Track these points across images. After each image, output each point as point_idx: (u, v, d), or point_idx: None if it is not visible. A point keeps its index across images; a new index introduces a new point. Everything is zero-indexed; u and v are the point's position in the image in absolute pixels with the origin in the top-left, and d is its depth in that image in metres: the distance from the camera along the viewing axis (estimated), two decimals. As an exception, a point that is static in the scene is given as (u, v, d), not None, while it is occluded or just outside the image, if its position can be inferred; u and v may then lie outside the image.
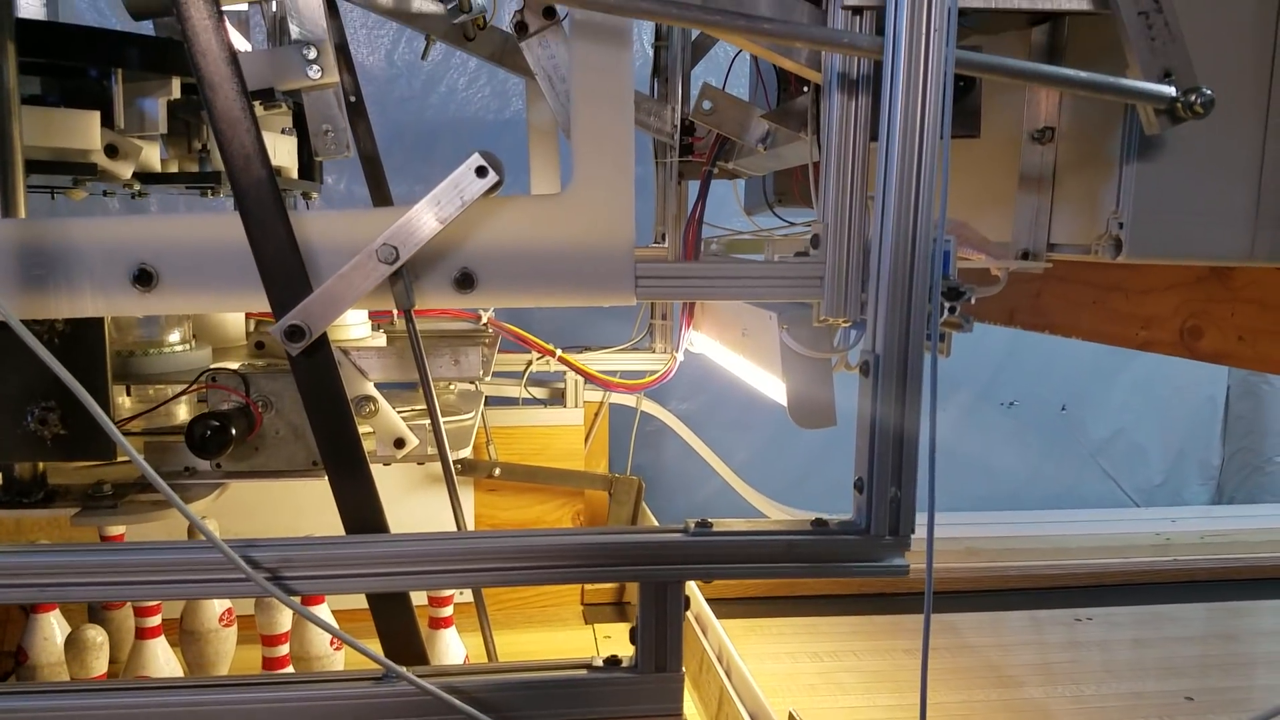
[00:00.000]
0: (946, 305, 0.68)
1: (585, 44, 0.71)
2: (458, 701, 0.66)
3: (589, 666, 0.71)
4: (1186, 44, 0.72)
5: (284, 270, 0.69)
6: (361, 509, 0.72)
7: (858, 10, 0.73)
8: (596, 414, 1.71)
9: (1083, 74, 0.70)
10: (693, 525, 0.70)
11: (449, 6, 1.19)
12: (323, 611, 1.13)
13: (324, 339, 0.70)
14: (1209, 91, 0.70)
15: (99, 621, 1.18)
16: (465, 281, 0.72)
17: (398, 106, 2.03)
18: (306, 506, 1.20)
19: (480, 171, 0.69)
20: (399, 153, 1.97)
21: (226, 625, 1.21)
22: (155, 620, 1.11)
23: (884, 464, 0.69)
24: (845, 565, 0.70)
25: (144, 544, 0.66)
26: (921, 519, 0.70)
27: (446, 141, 2.14)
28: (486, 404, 1.56)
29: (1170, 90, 0.70)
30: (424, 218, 0.68)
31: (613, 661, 0.71)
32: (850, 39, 0.69)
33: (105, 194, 1.23)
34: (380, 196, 1.42)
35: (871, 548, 0.70)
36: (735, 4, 0.77)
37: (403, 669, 0.67)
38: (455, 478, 0.80)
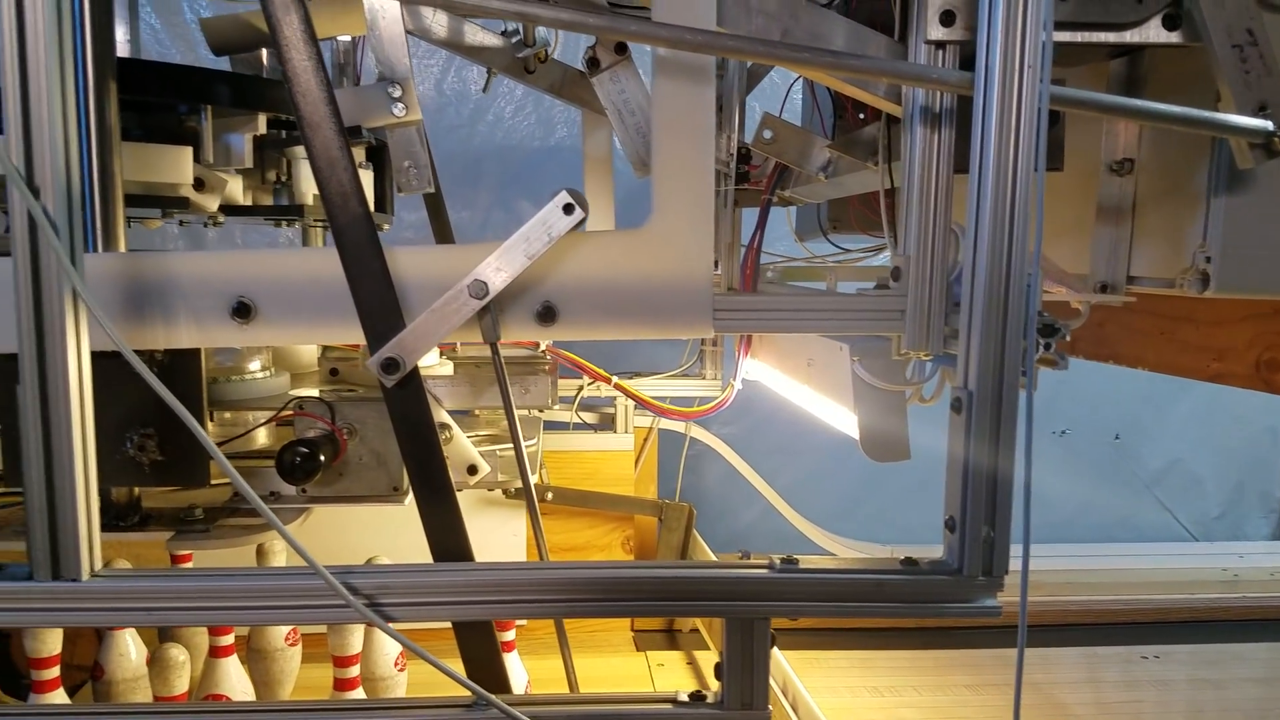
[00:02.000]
0: (1041, 342, 0.68)
1: (667, 81, 0.72)
2: (546, 732, 0.66)
3: (674, 701, 0.71)
4: (1281, 78, 0.72)
5: (379, 304, 0.70)
6: (449, 536, 0.73)
7: (940, 44, 0.73)
8: (646, 439, 1.71)
9: (1177, 109, 0.70)
10: (779, 561, 0.70)
11: (513, 41, 1.21)
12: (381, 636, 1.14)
13: (415, 371, 0.72)
14: (1307, 125, 0.70)
15: (172, 639, 1.20)
16: (547, 315, 0.73)
17: (446, 134, 2.07)
18: (367, 525, 1.22)
19: (567, 209, 0.70)
20: (447, 179, 2.01)
21: (292, 644, 1.22)
22: (228, 639, 1.12)
23: (977, 503, 0.68)
24: (936, 606, 0.69)
25: (247, 570, 0.67)
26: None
27: (492, 168, 2.18)
28: (540, 429, 1.57)
29: (1268, 125, 0.69)
30: (513, 253, 0.69)
31: (698, 697, 0.71)
32: (940, 75, 0.70)
33: (180, 223, 1.27)
34: (440, 225, 1.45)
35: (964, 588, 0.69)
36: (810, 37, 0.78)
37: (494, 697, 0.67)
38: (536, 502, 0.80)
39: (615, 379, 1.47)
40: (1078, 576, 1.71)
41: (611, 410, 1.67)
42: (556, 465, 1.60)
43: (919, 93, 0.74)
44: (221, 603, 0.66)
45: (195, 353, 0.78)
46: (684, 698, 0.71)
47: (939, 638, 1.50)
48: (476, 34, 1.17)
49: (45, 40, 0.63)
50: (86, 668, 1.22)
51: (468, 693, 0.68)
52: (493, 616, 0.70)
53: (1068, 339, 0.69)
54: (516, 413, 1.33)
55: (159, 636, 1.22)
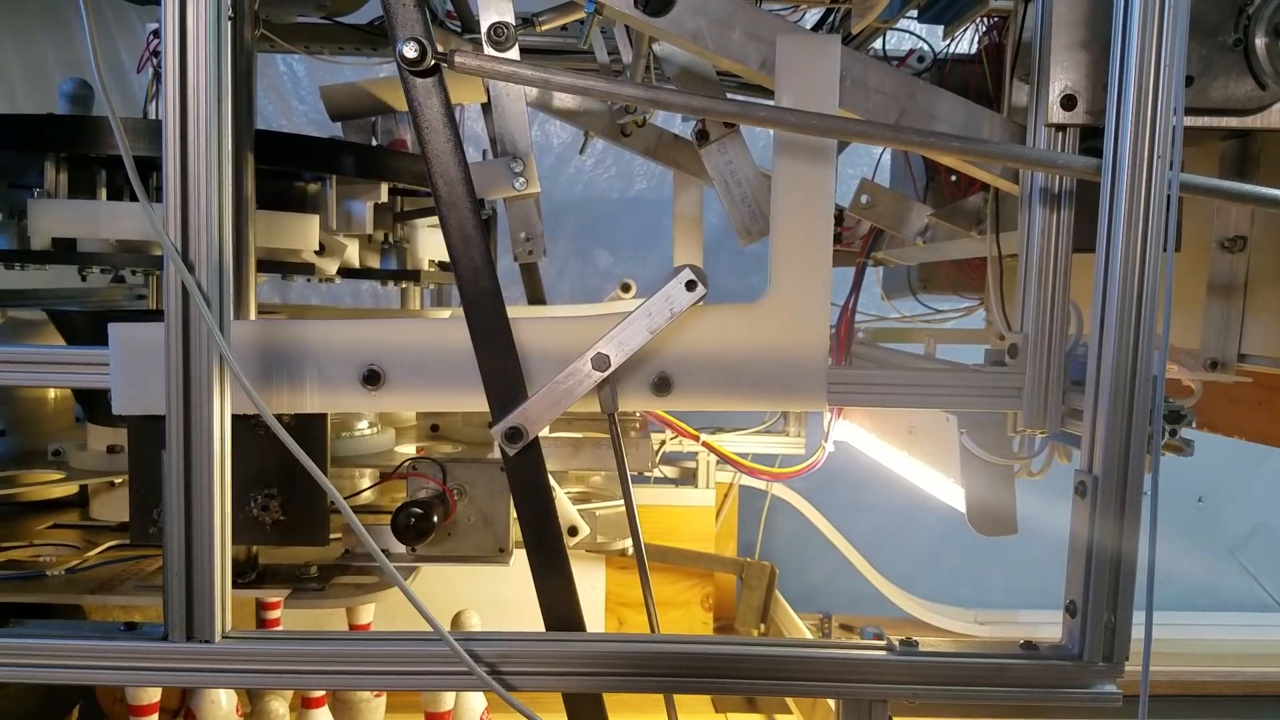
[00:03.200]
0: (1167, 429, 0.67)
1: (789, 161, 0.74)
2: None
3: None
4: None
5: (504, 375, 0.72)
6: (562, 603, 0.74)
7: (1060, 128, 0.74)
8: (726, 495, 1.71)
9: (1307, 197, 0.69)
10: (898, 643, 0.69)
11: (614, 108, 1.25)
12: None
13: (536, 441, 0.73)
14: None
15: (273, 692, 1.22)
16: (662, 385, 0.74)
17: (528, 189, 2.11)
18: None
19: (690, 285, 0.71)
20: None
21: (377, 696, 1.24)
22: (320, 690, 1.14)
23: (1100, 588, 0.67)
24: (1056, 691, 0.68)
25: (372, 635, 0.69)
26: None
27: (572, 218, 2.22)
28: (619, 483, 1.58)
29: (1396, 212, 0.68)
30: (635, 327, 0.71)
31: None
32: (1066, 161, 0.70)
33: (284, 277, 1.31)
34: (532, 282, 1.48)
35: (1084, 674, 0.68)
36: (926, 116, 0.79)
37: (609, 772, 0.68)
38: (647, 567, 0.81)
39: (704, 437, 1.47)
40: (1162, 646, 1.65)
41: (693, 465, 1.67)
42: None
43: (1039, 174, 0.74)
44: (349, 667, 0.67)
45: (322, 416, 0.80)
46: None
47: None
48: (580, 99, 1.21)
49: (206, 117, 0.67)
50: (172, 710, 1.25)
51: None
52: (606, 690, 0.71)
53: (1193, 424, 0.68)
54: (604, 470, 1.35)
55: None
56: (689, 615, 1.60)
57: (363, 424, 1.03)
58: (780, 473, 1.47)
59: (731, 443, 1.60)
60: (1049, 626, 1.75)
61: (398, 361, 0.75)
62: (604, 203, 2.27)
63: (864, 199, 1.11)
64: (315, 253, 0.96)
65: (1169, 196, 0.66)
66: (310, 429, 0.80)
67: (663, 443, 1.62)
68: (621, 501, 1.18)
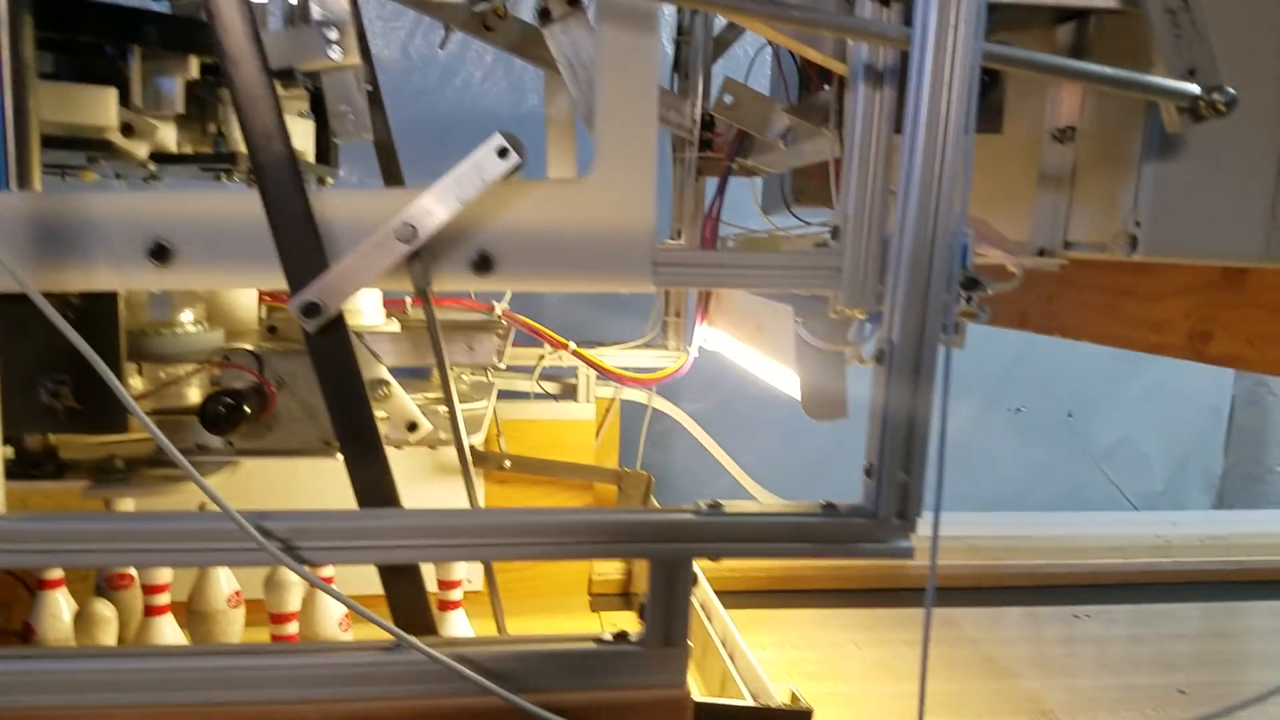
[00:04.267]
0: (964, 295, 0.68)
1: (612, 28, 0.71)
2: (467, 670, 0.66)
3: (598, 640, 0.71)
4: (1211, 43, 0.72)
5: (301, 246, 0.69)
6: (375, 485, 0.72)
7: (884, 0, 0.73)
8: (608, 410, 1.71)
9: (1108, 70, 0.70)
10: (704, 506, 0.70)
11: (467, -10, 1.19)
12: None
13: (340, 317, 0.71)
14: (1231, 90, 0.71)
15: (108, 600, 1.18)
16: (483, 264, 0.72)
17: (413, 100, 2.03)
18: (320, 491, 1.20)
19: (502, 152, 0.69)
20: (414, 146, 1.98)
21: (235, 606, 1.21)
22: (164, 598, 1.11)
23: (894, 450, 0.69)
24: (852, 546, 0.70)
25: (156, 513, 0.66)
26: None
27: (462, 135, 2.14)
28: (498, 398, 1.56)
29: (1194, 88, 0.70)
30: (444, 198, 0.69)
31: (621, 636, 0.72)
32: (878, 28, 0.69)
33: (118, 176, 1.24)
34: (393, 178, 1.43)
35: (879, 530, 0.70)
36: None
37: (413, 639, 0.67)
38: (469, 456, 0.80)
39: (573, 345, 1.46)
40: (1021, 542, 1.74)
41: (574, 381, 1.66)
42: (516, 435, 1.59)
43: (862, 50, 0.74)
44: (126, 545, 0.65)
45: (112, 297, 0.76)
46: (608, 636, 0.71)
47: (886, 598, 1.53)
48: (427, -18, 1.15)
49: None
50: (19, 632, 1.20)
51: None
52: (412, 560, 0.70)
53: (989, 293, 0.69)
54: (467, 375, 1.33)
55: (95, 596, 1.21)
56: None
57: (187, 320, 0.98)
58: (646, 378, 1.48)
59: (612, 357, 1.59)
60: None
61: (188, 235, 0.71)
62: (495, 119, 2.19)
63: (727, 98, 1.10)
64: (123, 134, 0.90)
65: (972, 67, 0.66)
66: (100, 310, 0.75)
67: (541, 357, 1.60)
68: (477, 404, 1.17)
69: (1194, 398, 2.45)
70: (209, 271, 0.72)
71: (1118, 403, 2.43)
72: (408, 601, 0.74)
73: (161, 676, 0.67)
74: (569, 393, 1.64)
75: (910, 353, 0.68)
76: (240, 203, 0.70)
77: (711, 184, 1.30)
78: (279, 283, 0.70)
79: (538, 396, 1.61)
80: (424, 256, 0.70)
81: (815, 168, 1.30)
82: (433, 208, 0.68)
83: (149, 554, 0.66)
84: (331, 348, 0.71)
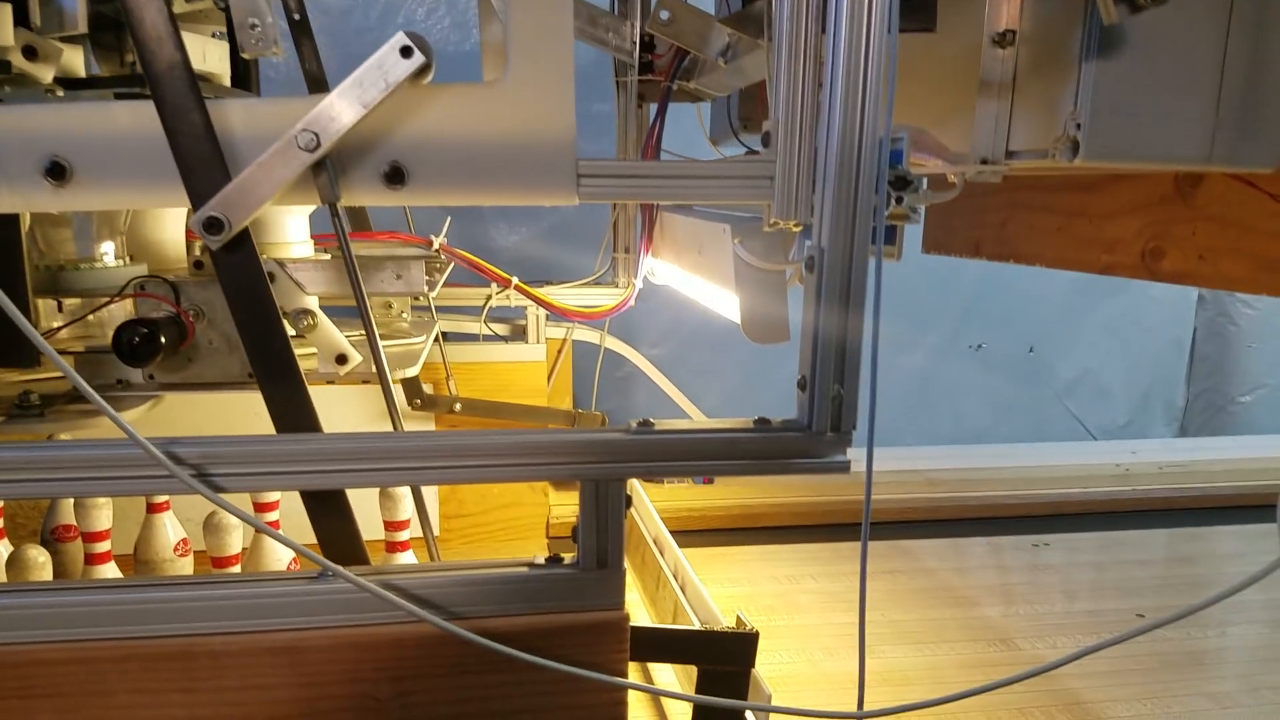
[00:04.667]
0: (894, 195, 0.66)
1: (522, -77, 0.68)
2: (395, 596, 0.65)
3: (530, 564, 0.70)
4: (1145, -72, 0.70)
5: (201, 159, 0.66)
6: (293, 411, 0.70)
7: (808, -110, 0.70)
8: (560, 351, 1.69)
9: (1039, -45, 0.67)
10: (635, 424, 0.68)
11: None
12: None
13: (246, 235, 0.68)
14: (1168, -23, 0.68)
15: (50, 553, 1.15)
16: (395, 176, 0.69)
17: (354, 39, 1.97)
18: (258, 428, 1.18)
19: (405, 52, 0.66)
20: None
21: (182, 555, 1.18)
22: (104, 545, 1.09)
23: (826, 362, 0.67)
24: (787, 462, 0.68)
25: (60, 442, 0.63)
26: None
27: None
28: (446, 340, 1.53)
29: (1127, -26, 0.67)
30: (346, 102, 0.65)
31: (555, 560, 0.70)
32: (795, -85, 0.66)
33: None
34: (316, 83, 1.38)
35: (814, 444, 0.68)
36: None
37: (338, 567, 0.65)
38: (390, 382, 0.78)
39: (516, 280, 1.43)
40: (980, 474, 1.74)
41: (523, 322, 1.63)
42: (467, 377, 1.56)
43: (790, -55, 0.71)
44: (25, 474, 0.62)
45: (14, 223, 0.72)
46: (540, 561, 0.70)
47: (842, 533, 1.53)
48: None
49: None
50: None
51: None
52: (334, 485, 0.68)
53: (920, 191, 0.67)
54: (407, 314, 1.30)
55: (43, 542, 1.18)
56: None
57: (108, 253, 0.95)
58: (591, 312, 1.45)
59: (560, 294, 1.57)
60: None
61: (85, 151, 0.67)
62: (438, 56, 2.13)
63: (663, 15, 1.06)
64: (26, 58, 0.85)
65: (895, -52, 0.63)
66: (2, 237, 0.72)
67: (488, 297, 1.57)
68: (415, 340, 1.14)
69: (1155, 330, 2.46)
70: (109, 190, 0.68)
71: (1079, 337, 2.43)
72: (335, 532, 0.72)
73: (80, 612, 0.65)
74: (519, 334, 1.61)
75: (840, 259, 0.66)
76: (138, 115, 0.67)
77: (656, 111, 1.27)
78: (181, 199, 0.67)
79: (487, 338, 1.58)
80: (330, 168, 0.67)
81: (761, 92, 1.27)
82: (335, 113, 0.65)
83: (51, 484, 0.63)
84: (239, 267, 0.68)
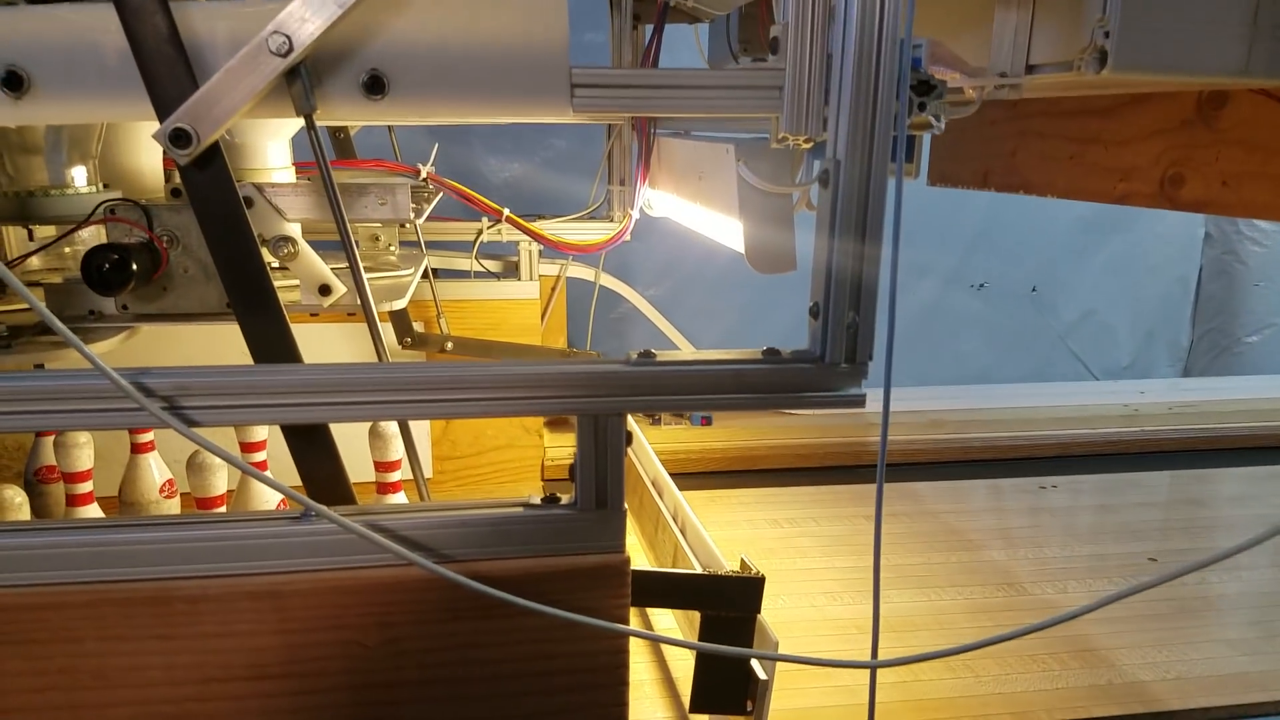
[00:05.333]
0: (916, 101, 0.61)
1: None
2: (382, 538, 0.61)
3: (526, 505, 0.66)
4: None
5: (166, 67, 0.60)
6: (271, 340, 0.66)
7: None
8: (553, 288, 1.64)
9: None
10: (635, 355, 0.64)
11: None
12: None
13: (217, 150, 0.63)
14: None
15: (33, 495, 1.12)
16: (374, 85, 0.64)
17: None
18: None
19: (391, -51, 0.60)
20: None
21: (168, 497, 1.15)
22: (86, 486, 1.05)
23: (841, 287, 0.63)
24: (799, 395, 0.64)
25: (27, 373, 0.59)
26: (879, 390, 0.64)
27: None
28: (436, 277, 1.48)
29: None
30: (320, 1, 0.60)
31: (551, 499, 0.66)
32: None
33: None
34: None
35: (827, 376, 0.64)
36: None
37: (322, 506, 0.62)
38: (374, 312, 0.74)
39: (508, 212, 1.38)
40: (984, 415, 1.71)
41: (515, 258, 1.58)
42: (458, 315, 1.52)
43: None
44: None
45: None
46: (536, 501, 0.66)
47: (846, 475, 1.50)
48: None
49: None
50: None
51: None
52: (314, 419, 0.64)
53: (944, 98, 0.62)
54: (395, 248, 1.25)
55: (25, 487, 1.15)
56: (511, 405, 1.56)
57: (80, 179, 0.89)
58: (584, 245, 1.41)
59: (553, 228, 1.51)
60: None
61: (44, 60, 0.62)
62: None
63: (661, -73, 1.00)
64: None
65: None
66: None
67: (479, 232, 1.52)
68: (404, 272, 1.09)
69: (1161, 269, 2.41)
70: (70, 102, 0.63)
71: (1083, 276, 2.39)
72: (318, 469, 0.68)
73: (51, 554, 0.62)
74: (511, 271, 1.56)
75: (857, 173, 0.62)
76: (100, 21, 0.61)
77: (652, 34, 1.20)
78: (147, 112, 0.62)
79: (478, 275, 1.54)
80: (305, 75, 0.62)
81: (762, 11, 1.20)
82: (307, 14, 0.59)
83: (18, 417, 0.59)
84: (210, 184, 0.63)
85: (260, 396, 0.61)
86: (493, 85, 0.65)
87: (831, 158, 0.62)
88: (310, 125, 0.65)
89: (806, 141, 0.70)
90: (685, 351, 0.65)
